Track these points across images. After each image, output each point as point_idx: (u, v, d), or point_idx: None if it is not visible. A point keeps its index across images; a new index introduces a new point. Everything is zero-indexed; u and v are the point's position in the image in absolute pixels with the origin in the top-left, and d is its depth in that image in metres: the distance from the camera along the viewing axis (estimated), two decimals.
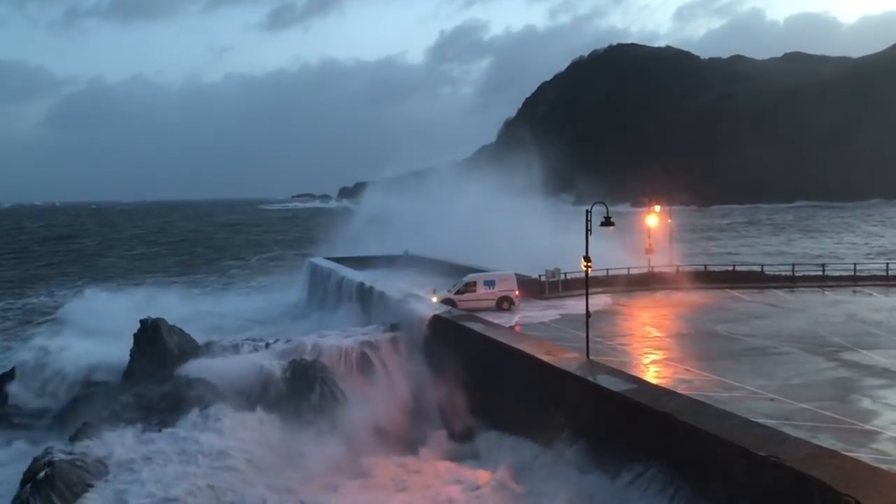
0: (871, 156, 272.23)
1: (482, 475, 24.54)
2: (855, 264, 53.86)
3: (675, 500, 18.09)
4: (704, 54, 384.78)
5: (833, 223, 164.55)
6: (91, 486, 23.73)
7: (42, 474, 23.18)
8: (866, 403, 21.17)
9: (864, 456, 16.40)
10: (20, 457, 28.33)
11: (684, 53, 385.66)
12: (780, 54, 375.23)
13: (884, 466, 15.62)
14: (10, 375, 38.03)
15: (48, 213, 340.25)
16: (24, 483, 23.37)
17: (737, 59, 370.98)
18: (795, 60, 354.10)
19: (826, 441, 17.44)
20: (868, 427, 18.98)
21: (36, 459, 24.14)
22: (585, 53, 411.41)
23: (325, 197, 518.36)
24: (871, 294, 43.42)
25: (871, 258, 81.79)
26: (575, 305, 37.14)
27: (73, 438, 26.44)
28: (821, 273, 50.90)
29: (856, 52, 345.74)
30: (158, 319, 37.84)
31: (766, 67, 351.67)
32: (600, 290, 43.32)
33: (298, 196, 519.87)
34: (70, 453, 24.85)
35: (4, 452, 31.00)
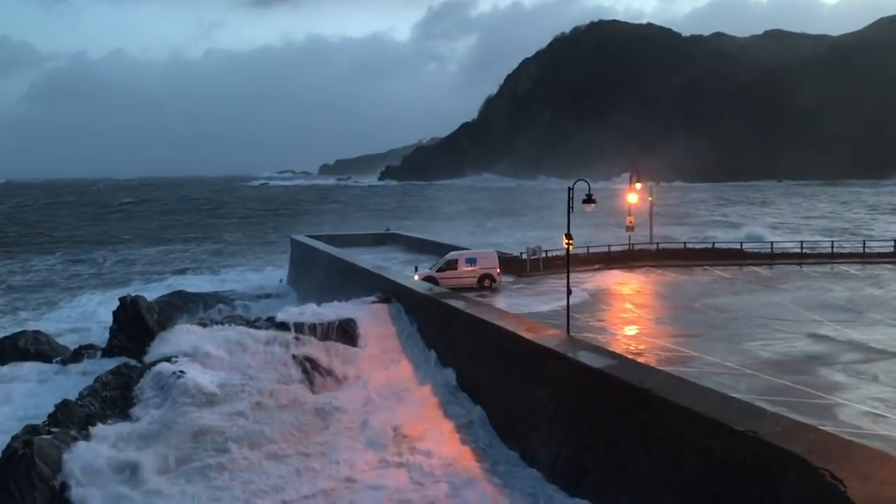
0: (848, 135, 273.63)
1: None
2: (832, 241, 54.47)
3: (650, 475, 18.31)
4: (687, 32, 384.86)
5: (809, 201, 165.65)
6: (69, 463, 23.58)
7: (21, 452, 23.01)
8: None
9: None
10: None
11: (665, 31, 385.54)
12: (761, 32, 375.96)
13: None
14: None
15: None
16: (2, 461, 23.19)
17: (718, 37, 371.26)
18: (775, 38, 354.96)
19: None
20: None
21: (14, 437, 23.92)
22: (567, 30, 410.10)
23: (306, 174, 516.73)
24: (846, 270, 43.92)
25: (843, 235, 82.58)
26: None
27: (52, 416, 26.26)
28: (798, 251, 51.42)
29: (837, 30, 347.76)
30: (138, 297, 37.63)
31: (746, 45, 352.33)
32: (584, 268, 43.57)
33: (280, 173, 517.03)
34: (49, 431, 24.65)
35: None
